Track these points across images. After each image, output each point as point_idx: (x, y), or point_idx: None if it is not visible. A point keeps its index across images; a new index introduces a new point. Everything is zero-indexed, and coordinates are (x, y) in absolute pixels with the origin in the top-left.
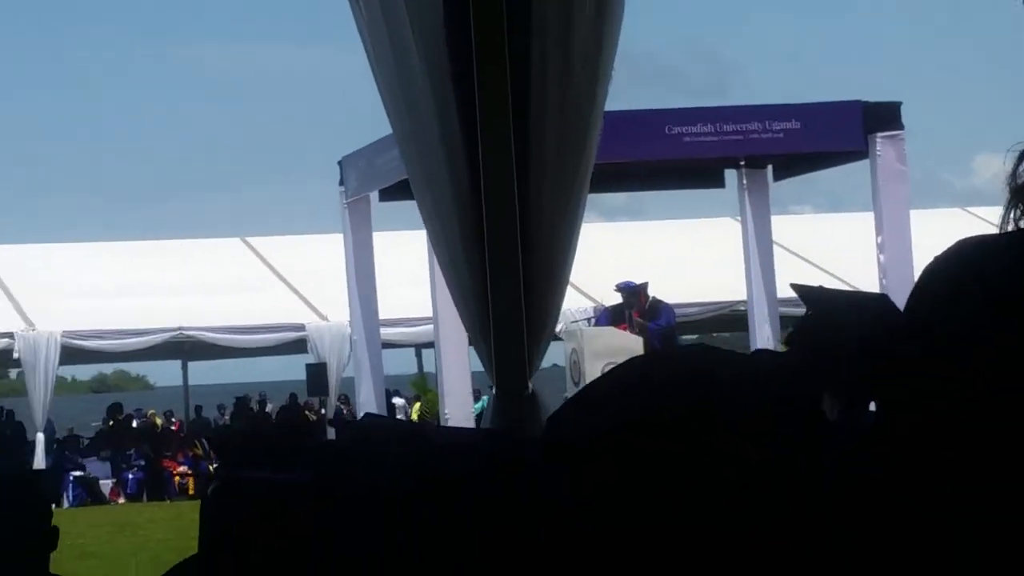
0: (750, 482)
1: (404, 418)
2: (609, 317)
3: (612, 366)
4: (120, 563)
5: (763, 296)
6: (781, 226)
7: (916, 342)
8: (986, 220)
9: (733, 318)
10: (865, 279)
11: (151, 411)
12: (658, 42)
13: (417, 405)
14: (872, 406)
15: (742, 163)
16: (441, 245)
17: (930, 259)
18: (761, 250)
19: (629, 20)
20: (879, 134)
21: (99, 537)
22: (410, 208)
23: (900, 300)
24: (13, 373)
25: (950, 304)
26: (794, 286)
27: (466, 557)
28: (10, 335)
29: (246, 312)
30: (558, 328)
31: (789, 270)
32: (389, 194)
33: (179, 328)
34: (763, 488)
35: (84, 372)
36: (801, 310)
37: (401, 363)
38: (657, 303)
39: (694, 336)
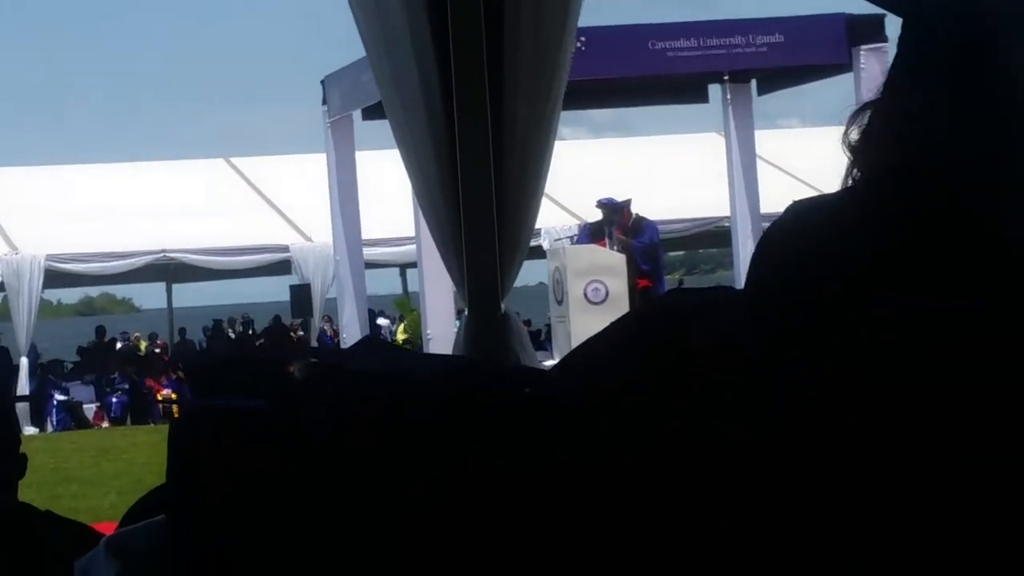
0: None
1: (389, 338)
2: (588, 234)
3: (595, 284)
4: (102, 486)
5: (747, 211)
6: (765, 141)
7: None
8: None
9: (718, 233)
10: None
11: (136, 334)
12: None
13: (402, 325)
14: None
15: (726, 78)
16: (413, 163)
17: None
18: (745, 165)
19: None
20: (863, 47)
21: (82, 461)
22: None
23: None
24: None
25: (784, 268)
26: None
27: (427, 498)
28: None
29: (230, 234)
30: (544, 246)
31: (773, 185)
32: (372, 113)
33: (162, 250)
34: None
35: (70, 296)
36: None
37: (385, 283)
38: (640, 220)
39: (679, 253)
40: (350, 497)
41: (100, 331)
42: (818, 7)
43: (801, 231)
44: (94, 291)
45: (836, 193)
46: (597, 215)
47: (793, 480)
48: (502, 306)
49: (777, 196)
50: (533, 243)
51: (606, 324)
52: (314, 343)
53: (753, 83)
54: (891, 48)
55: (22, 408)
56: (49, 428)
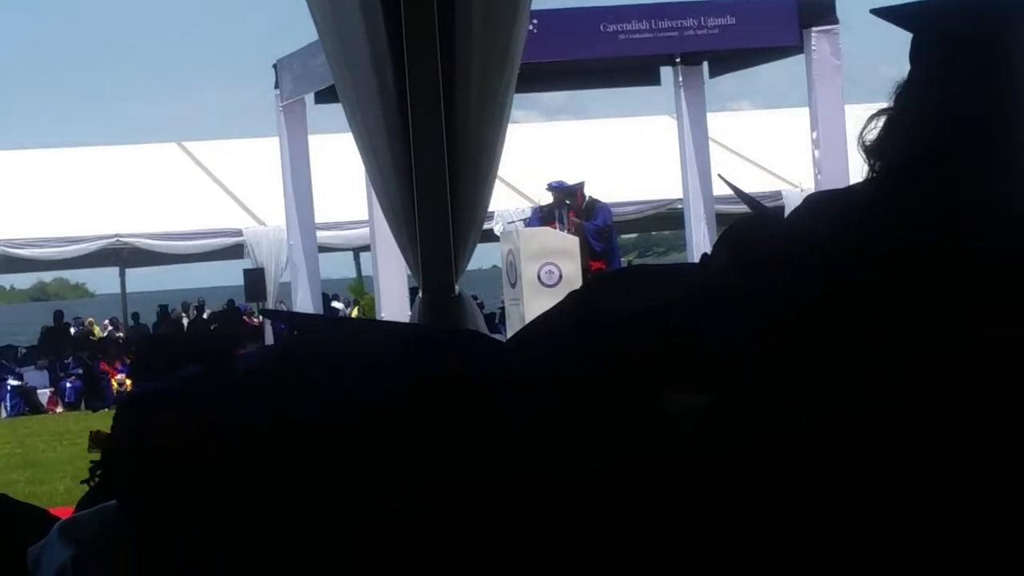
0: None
1: None
2: (540, 218)
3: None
4: (57, 471)
5: (699, 194)
6: (718, 123)
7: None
8: None
9: (670, 216)
10: (801, 175)
11: (89, 319)
12: None
13: (356, 309)
14: None
15: (678, 60)
16: (366, 146)
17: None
18: (697, 148)
19: None
20: (814, 28)
21: (36, 446)
22: None
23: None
24: None
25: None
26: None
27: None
28: None
29: (183, 218)
30: (496, 229)
31: (726, 167)
32: (325, 96)
33: (116, 235)
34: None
35: (24, 281)
36: (737, 208)
37: (339, 267)
38: (594, 202)
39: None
40: (295, 508)
41: (58, 315)
42: None
43: (824, 220)
44: (48, 276)
45: (856, 185)
46: (549, 198)
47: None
48: (456, 287)
49: (730, 178)
50: (486, 227)
51: None
52: (268, 328)
53: (705, 65)
54: (842, 29)
55: None
56: (3, 413)
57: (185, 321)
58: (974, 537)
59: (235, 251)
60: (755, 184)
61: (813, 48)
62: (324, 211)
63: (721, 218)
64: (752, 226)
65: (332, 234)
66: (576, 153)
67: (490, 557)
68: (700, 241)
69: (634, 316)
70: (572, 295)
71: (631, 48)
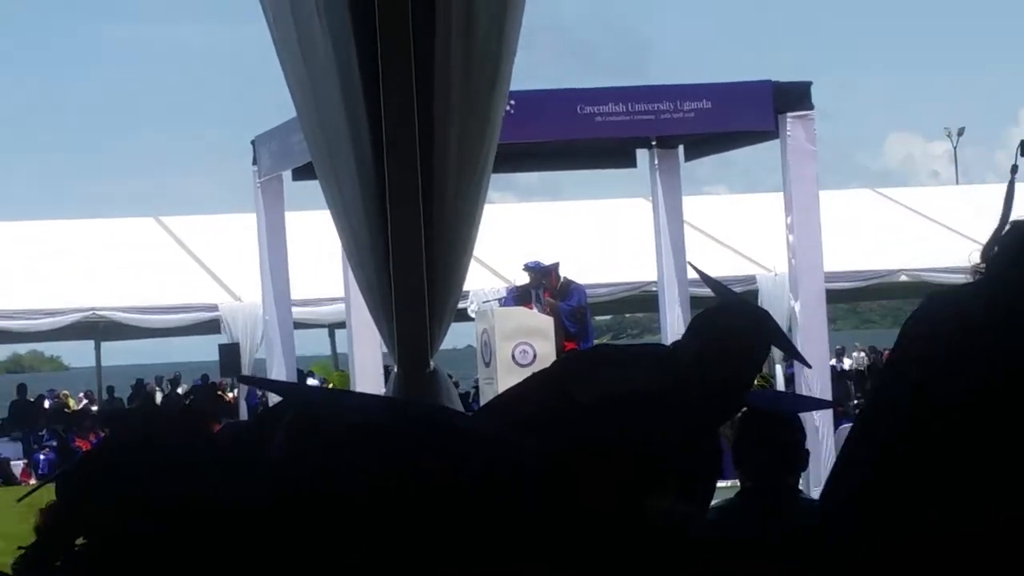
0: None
1: None
2: (515, 297)
3: (523, 346)
4: (26, 542)
5: (674, 277)
6: (693, 207)
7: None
8: (896, 200)
9: (645, 298)
10: (776, 259)
11: (64, 392)
12: (576, 19)
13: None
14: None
15: (653, 143)
16: (343, 222)
17: (840, 239)
18: (672, 230)
19: None
20: (789, 114)
21: (8, 518)
22: None
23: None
24: None
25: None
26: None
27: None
28: None
29: (159, 292)
30: (471, 309)
31: (701, 251)
32: (302, 173)
33: (92, 308)
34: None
35: None
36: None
37: (315, 343)
38: (568, 283)
39: (607, 317)
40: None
41: (21, 389)
42: (746, 75)
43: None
44: (22, 348)
45: (972, 285)
46: (524, 278)
47: None
48: (431, 363)
49: (704, 262)
50: (460, 306)
51: None
52: (243, 403)
53: (681, 149)
54: (817, 116)
55: None
56: None
57: (159, 395)
58: None
59: (211, 326)
60: (729, 268)
61: (788, 133)
62: (300, 287)
63: (696, 301)
64: (721, 314)
65: (308, 310)
66: (551, 234)
67: None
68: (675, 323)
69: (600, 403)
70: (541, 373)
71: (607, 130)
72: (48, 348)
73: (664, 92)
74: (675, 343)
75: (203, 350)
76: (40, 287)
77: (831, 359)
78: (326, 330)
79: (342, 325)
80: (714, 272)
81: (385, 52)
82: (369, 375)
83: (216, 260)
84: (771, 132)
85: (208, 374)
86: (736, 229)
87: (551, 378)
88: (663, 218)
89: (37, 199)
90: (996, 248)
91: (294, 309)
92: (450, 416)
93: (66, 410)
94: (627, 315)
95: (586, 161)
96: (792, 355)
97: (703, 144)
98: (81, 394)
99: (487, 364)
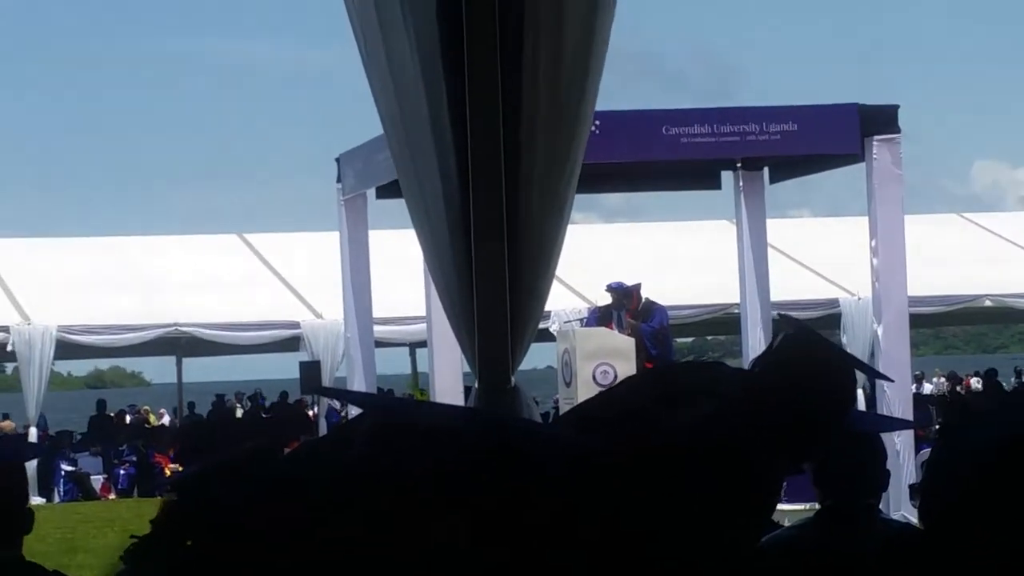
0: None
1: None
2: (597, 318)
3: (604, 366)
4: (108, 557)
5: (756, 299)
6: (777, 229)
7: None
8: (982, 226)
9: (727, 320)
10: (859, 283)
11: (145, 407)
12: (665, 44)
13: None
14: None
15: (738, 165)
16: (427, 239)
17: (925, 263)
18: (756, 253)
19: (638, 22)
20: (875, 137)
21: (88, 532)
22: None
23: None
24: (9, 368)
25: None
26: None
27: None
28: (6, 329)
29: (241, 309)
30: (552, 328)
31: (784, 273)
32: (386, 192)
33: (174, 324)
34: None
35: (80, 367)
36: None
37: (395, 362)
38: (650, 304)
39: (689, 339)
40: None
41: (100, 404)
42: (832, 97)
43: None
44: (104, 364)
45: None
46: (606, 300)
47: None
48: (512, 379)
49: (787, 285)
50: (542, 326)
51: None
52: (322, 420)
53: (765, 171)
54: (904, 139)
55: (30, 478)
56: (56, 498)
57: (239, 411)
58: None
59: (292, 343)
60: (812, 291)
61: (875, 156)
62: (381, 305)
63: (778, 324)
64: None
65: (389, 328)
66: (633, 255)
67: None
68: (756, 346)
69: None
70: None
71: (692, 152)
72: (129, 364)
73: (750, 114)
74: (752, 361)
75: (283, 368)
76: (122, 302)
77: (911, 384)
78: (407, 349)
79: (423, 344)
80: (796, 295)
81: (472, 72)
82: (449, 394)
83: (298, 277)
84: (857, 155)
85: (288, 391)
86: (820, 252)
87: (640, 383)
88: (747, 240)
89: (120, 214)
90: None
91: (375, 327)
92: (528, 421)
93: (146, 425)
94: (708, 337)
95: (670, 182)
96: (872, 374)
97: (788, 166)
98: (162, 410)
99: (568, 384)
